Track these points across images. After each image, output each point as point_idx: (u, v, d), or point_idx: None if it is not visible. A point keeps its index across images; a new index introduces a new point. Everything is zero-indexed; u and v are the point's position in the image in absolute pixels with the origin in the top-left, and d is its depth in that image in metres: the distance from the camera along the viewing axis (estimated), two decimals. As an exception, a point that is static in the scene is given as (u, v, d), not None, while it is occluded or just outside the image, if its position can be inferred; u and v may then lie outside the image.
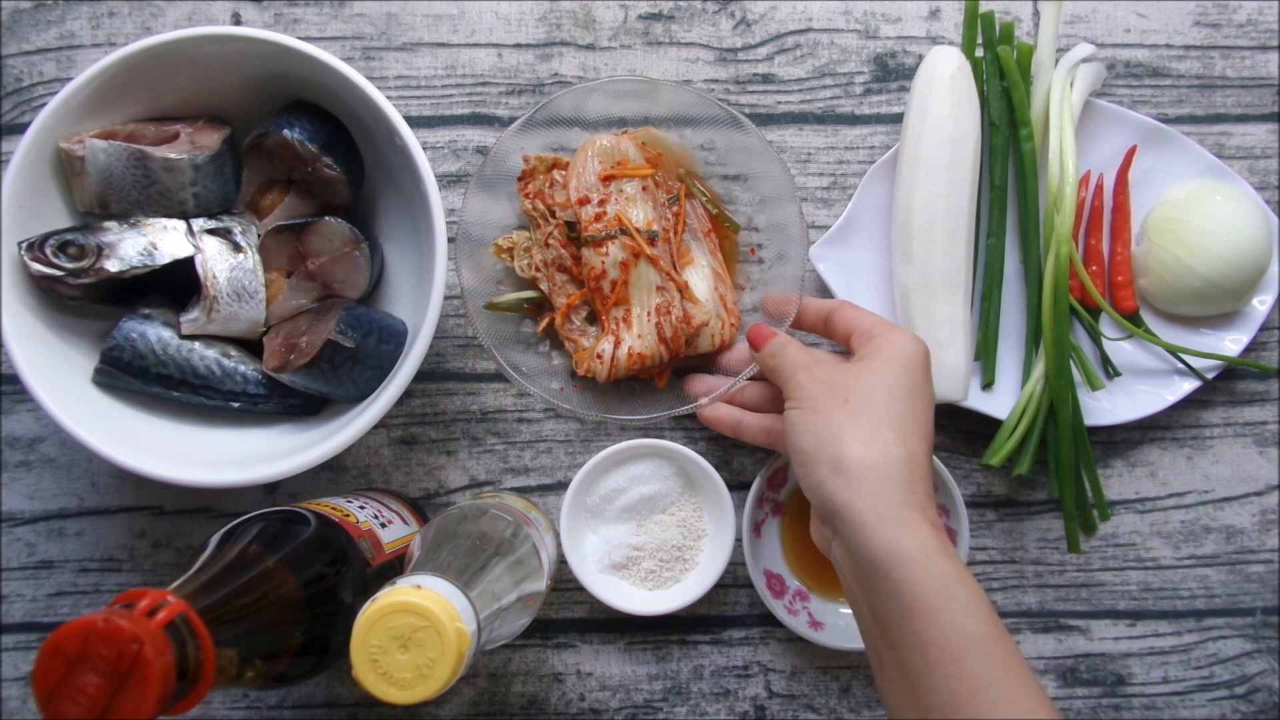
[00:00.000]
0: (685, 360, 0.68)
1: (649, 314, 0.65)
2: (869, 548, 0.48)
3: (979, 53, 0.68)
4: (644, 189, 0.66)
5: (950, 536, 0.67)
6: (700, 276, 0.67)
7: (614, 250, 0.64)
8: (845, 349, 0.59)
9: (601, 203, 0.65)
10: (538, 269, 0.67)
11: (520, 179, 0.68)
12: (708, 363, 0.69)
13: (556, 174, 0.67)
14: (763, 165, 0.67)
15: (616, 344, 0.65)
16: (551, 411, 0.70)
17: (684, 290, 0.66)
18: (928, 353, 0.56)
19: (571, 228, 0.66)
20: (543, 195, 0.67)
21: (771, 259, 0.68)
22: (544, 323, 0.68)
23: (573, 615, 0.70)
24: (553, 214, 0.66)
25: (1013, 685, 0.45)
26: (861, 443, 0.51)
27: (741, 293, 0.70)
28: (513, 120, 0.68)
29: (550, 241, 0.66)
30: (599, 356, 0.65)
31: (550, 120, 0.68)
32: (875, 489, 0.50)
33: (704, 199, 0.69)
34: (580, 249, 0.66)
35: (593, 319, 0.68)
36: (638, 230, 0.64)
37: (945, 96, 0.65)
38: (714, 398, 0.65)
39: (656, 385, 0.68)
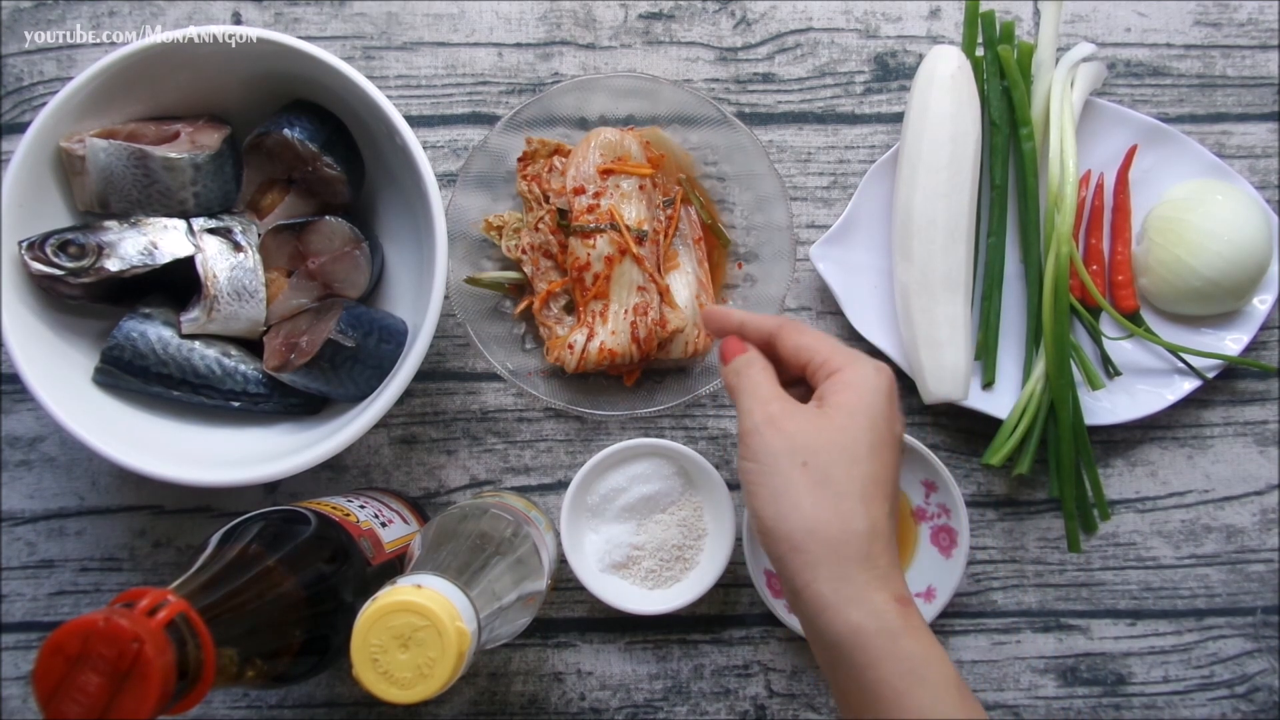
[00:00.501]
0: (656, 363, 0.69)
1: (626, 312, 0.65)
2: (830, 632, 0.46)
3: (979, 52, 0.68)
4: (641, 188, 0.66)
5: (950, 536, 0.67)
6: (683, 283, 0.68)
7: (601, 244, 0.65)
8: (797, 374, 0.52)
9: (596, 195, 0.65)
10: (524, 251, 0.67)
11: (521, 160, 0.68)
12: (679, 368, 0.69)
13: (557, 160, 0.68)
14: (756, 166, 0.67)
15: (589, 336, 0.65)
16: (552, 410, 0.70)
17: (664, 294, 0.66)
18: (891, 385, 0.50)
19: (563, 215, 0.66)
20: (540, 179, 0.67)
21: (767, 259, 0.69)
22: (522, 305, 0.69)
23: (573, 615, 0.70)
24: (547, 199, 0.67)
25: None
26: (821, 517, 0.47)
27: (724, 305, 0.70)
28: (512, 119, 0.68)
29: (540, 226, 0.66)
30: (570, 346, 0.65)
31: (550, 119, 0.69)
32: (836, 570, 0.46)
33: (699, 207, 0.69)
34: (568, 238, 0.66)
35: (571, 309, 0.68)
36: (628, 227, 0.64)
37: (945, 96, 0.65)
38: (721, 313, 0.56)
39: (625, 384, 0.69)
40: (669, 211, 0.68)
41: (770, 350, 0.53)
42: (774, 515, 0.48)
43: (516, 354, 0.69)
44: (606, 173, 0.65)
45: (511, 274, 0.69)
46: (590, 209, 0.65)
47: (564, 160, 0.67)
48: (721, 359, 0.54)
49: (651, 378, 0.69)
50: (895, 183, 0.67)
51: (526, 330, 0.70)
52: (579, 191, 0.65)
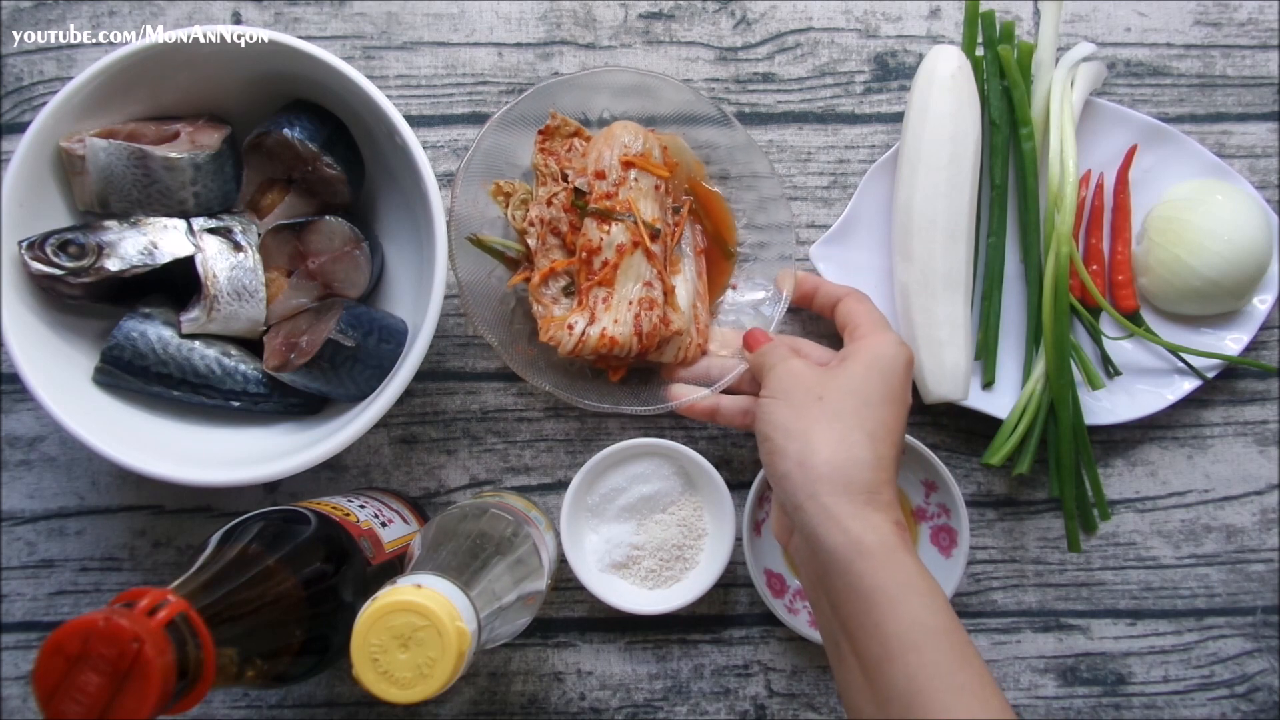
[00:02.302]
0: (642, 364, 0.68)
1: (631, 303, 0.64)
2: (830, 541, 0.50)
3: (979, 52, 0.68)
4: (656, 188, 0.65)
5: (950, 536, 0.67)
6: (684, 290, 0.67)
7: (616, 231, 0.64)
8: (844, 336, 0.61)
9: (617, 183, 0.64)
10: (531, 223, 0.66)
11: (541, 132, 0.67)
12: (664, 373, 0.68)
13: (577, 142, 0.67)
14: (757, 167, 0.67)
15: (591, 321, 0.64)
16: (552, 410, 0.70)
17: (670, 294, 0.66)
18: (910, 359, 0.57)
19: (579, 195, 0.65)
20: (559, 155, 0.66)
21: (768, 259, 0.68)
22: (519, 276, 0.67)
23: (573, 614, 0.70)
24: (564, 177, 0.66)
25: (969, 674, 0.46)
26: (830, 442, 0.52)
27: (714, 319, 0.69)
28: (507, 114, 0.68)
29: (554, 201, 0.65)
30: (569, 327, 0.64)
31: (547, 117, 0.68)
32: (839, 488, 0.51)
33: (706, 223, 0.69)
34: (583, 219, 0.65)
35: (569, 291, 0.66)
36: (644, 222, 0.64)
37: (946, 95, 0.65)
38: (692, 400, 0.65)
39: (610, 378, 0.68)
40: (676, 218, 0.68)
41: (832, 315, 0.63)
42: (784, 438, 0.54)
43: (504, 329, 0.67)
44: (628, 165, 0.64)
45: (514, 244, 0.67)
46: (609, 195, 0.64)
47: (584, 143, 0.67)
48: (746, 346, 0.63)
49: (638, 377, 0.69)
50: (895, 182, 0.67)
51: (516, 306, 0.69)
52: (600, 176, 0.64)
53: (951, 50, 0.66)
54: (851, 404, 0.54)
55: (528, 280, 0.66)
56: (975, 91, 0.66)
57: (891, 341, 0.57)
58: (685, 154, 0.68)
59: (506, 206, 0.67)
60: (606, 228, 0.64)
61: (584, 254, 0.64)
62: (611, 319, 0.64)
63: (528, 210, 0.66)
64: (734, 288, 0.70)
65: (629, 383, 0.68)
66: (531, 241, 0.66)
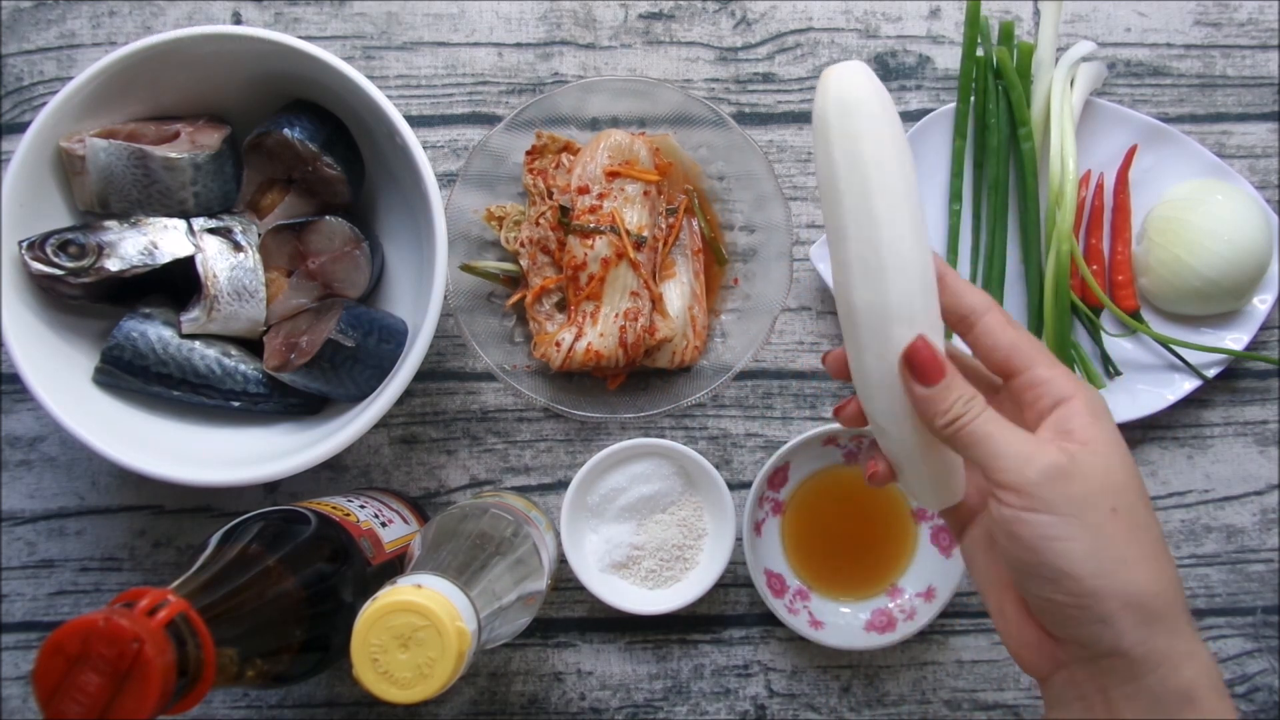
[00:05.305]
0: (642, 369, 0.69)
1: (616, 315, 0.65)
2: (1164, 688, 0.42)
3: (980, 52, 0.68)
4: (645, 194, 0.66)
5: (950, 536, 0.67)
6: (678, 293, 0.67)
7: (599, 245, 0.64)
8: (989, 368, 0.45)
9: (600, 196, 0.65)
10: (523, 244, 0.67)
11: (529, 153, 0.68)
12: (665, 376, 0.69)
13: (565, 157, 0.67)
14: (754, 167, 0.67)
15: (578, 336, 0.65)
16: (552, 410, 0.70)
17: (657, 302, 0.66)
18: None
19: (565, 213, 0.66)
20: (545, 174, 0.67)
21: (766, 258, 0.68)
22: (515, 297, 0.69)
23: (573, 615, 0.70)
24: (551, 195, 0.66)
25: None
26: (1149, 568, 0.42)
27: (715, 318, 0.70)
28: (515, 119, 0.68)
29: (541, 221, 0.66)
30: (557, 344, 0.65)
31: (550, 119, 0.69)
32: (1170, 625, 0.42)
33: (703, 221, 0.69)
34: (568, 236, 0.66)
35: (563, 306, 0.68)
36: (628, 232, 0.64)
37: (877, 120, 0.42)
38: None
39: (608, 387, 0.69)
40: (671, 220, 0.68)
41: (961, 329, 0.45)
42: (1096, 572, 0.41)
43: (505, 347, 0.69)
44: (613, 175, 0.65)
45: (507, 265, 0.69)
46: (592, 209, 0.65)
47: (572, 158, 0.67)
48: (921, 375, 0.42)
49: (637, 383, 0.69)
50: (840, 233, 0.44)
51: (516, 324, 0.70)
52: (583, 191, 0.65)
53: (850, 67, 0.41)
54: (1140, 505, 0.43)
55: (524, 299, 0.67)
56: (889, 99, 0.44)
57: (1099, 398, 0.44)
58: (678, 154, 0.68)
59: (500, 229, 0.68)
60: (590, 242, 0.65)
61: (570, 270, 0.65)
62: (597, 333, 0.65)
63: (520, 231, 0.67)
64: (736, 282, 0.70)
65: (627, 390, 0.69)
66: (523, 262, 0.67)
